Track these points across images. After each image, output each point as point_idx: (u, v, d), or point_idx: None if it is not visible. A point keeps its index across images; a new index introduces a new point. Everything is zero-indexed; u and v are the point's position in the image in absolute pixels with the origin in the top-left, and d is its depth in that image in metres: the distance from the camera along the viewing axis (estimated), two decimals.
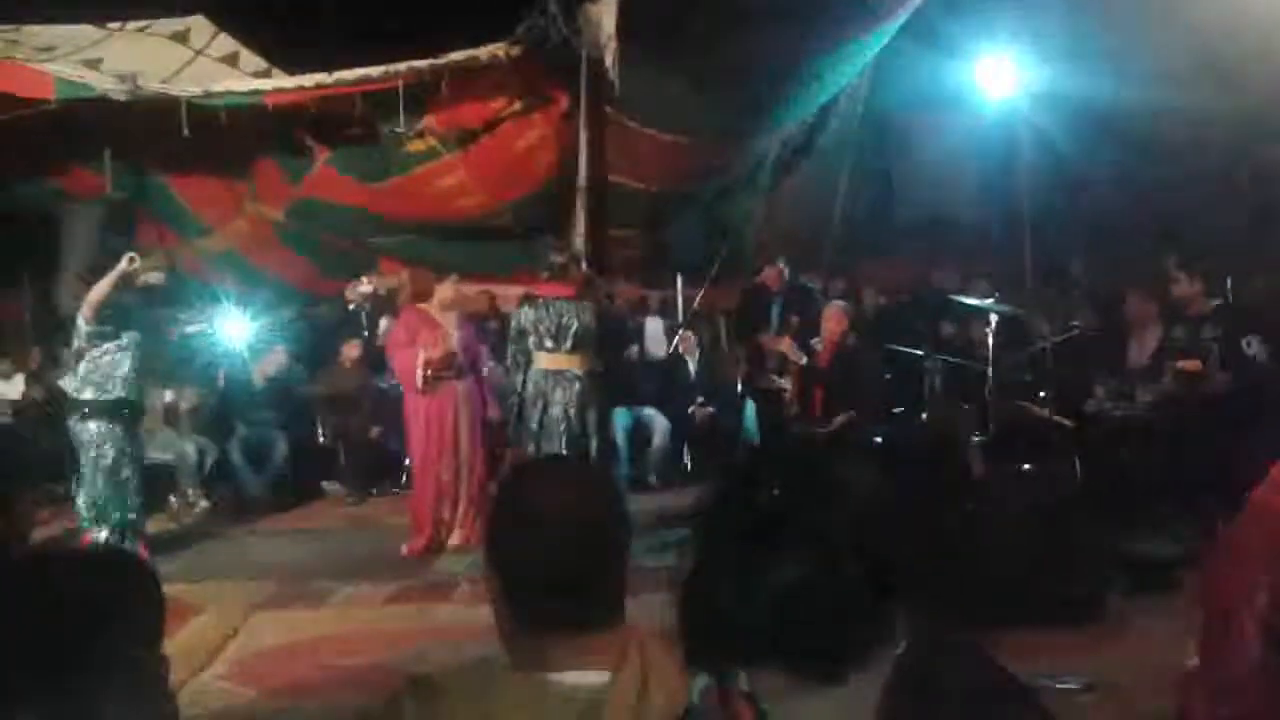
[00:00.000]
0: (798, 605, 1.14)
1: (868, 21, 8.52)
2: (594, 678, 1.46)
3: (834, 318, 7.98)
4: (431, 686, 1.51)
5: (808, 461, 1.29)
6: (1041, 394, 6.96)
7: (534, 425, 6.61)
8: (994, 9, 9.17)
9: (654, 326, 10.53)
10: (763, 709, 1.17)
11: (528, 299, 6.79)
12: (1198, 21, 7.22)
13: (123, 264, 6.31)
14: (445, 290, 7.32)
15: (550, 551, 1.47)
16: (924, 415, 7.03)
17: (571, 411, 6.58)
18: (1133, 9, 7.91)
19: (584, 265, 6.88)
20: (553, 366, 6.60)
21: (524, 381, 6.73)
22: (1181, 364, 6.68)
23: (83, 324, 6.42)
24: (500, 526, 1.56)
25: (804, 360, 8.06)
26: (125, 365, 6.52)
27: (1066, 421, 6.61)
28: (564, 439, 6.55)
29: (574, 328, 6.58)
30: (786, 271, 9.75)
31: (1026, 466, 6.47)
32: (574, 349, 6.62)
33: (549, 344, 6.64)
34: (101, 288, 6.34)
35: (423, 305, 7.31)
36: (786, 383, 8.52)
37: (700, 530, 1.33)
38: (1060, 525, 5.45)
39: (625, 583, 1.54)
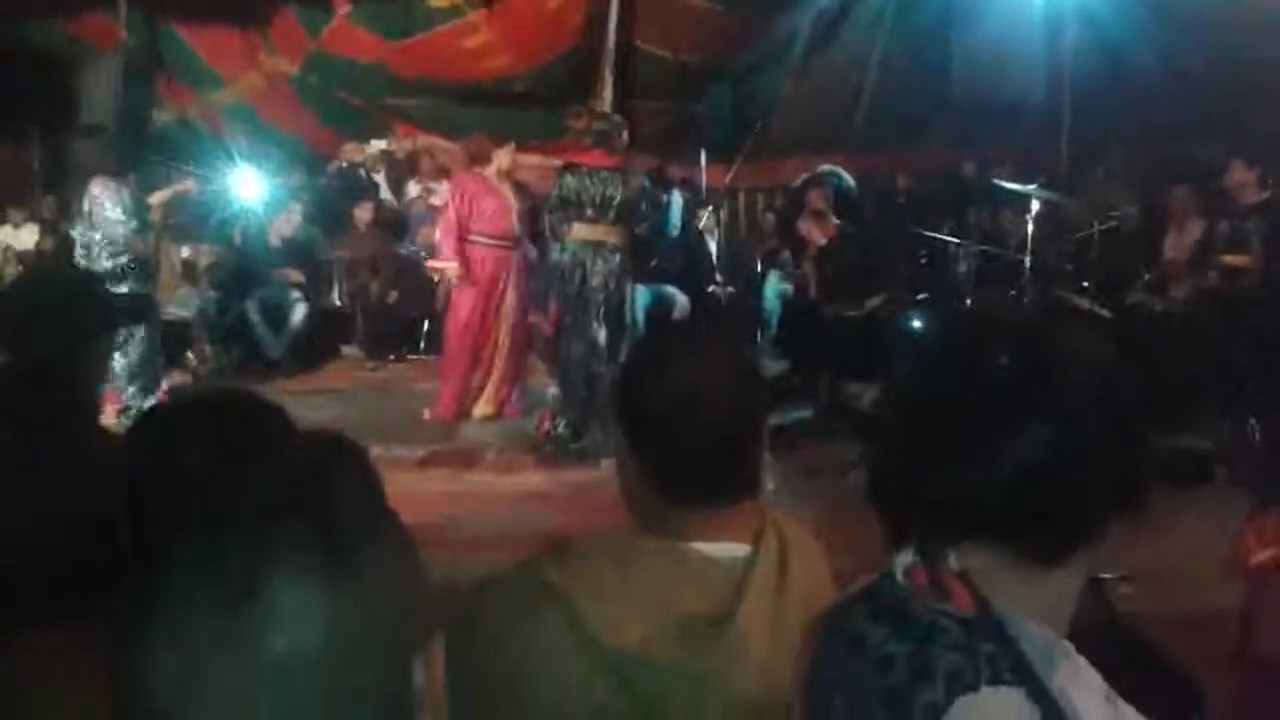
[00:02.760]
0: (1034, 477, 1.05)
1: None
2: (733, 550, 1.42)
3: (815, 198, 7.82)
4: (571, 550, 1.46)
5: (1041, 330, 1.18)
6: (1083, 284, 6.84)
7: (572, 295, 6.48)
8: None
9: (676, 202, 10.32)
10: (981, 593, 1.09)
11: (569, 168, 6.56)
12: None
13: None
14: (504, 158, 7.10)
15: (697, 425, 1.39)
16: (966, 301, 6.90)
17: (611, 283, 6.44)
18: None
19: (626, 135, 6.65)
20: (593, 237, 6.42)
21: (561, 251, 6.57)
22: (1228, 258, 6.55)
23: (108, 207, 6.28)
24: (642, 399, 1.47)
25: (823, 241, 7.94)
26: (134, 224, 6.39)
27: (1105, 312, 6.51)
28: (603, 310, 6.44)
29: (616, 199, 6.39)
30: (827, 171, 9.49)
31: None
32: (616, 220, 6.44)
33: (590, 214, 6.44)
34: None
35: (481, 171, 7.08)
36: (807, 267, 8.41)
37: (903, 398, 1.23)
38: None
39: (762, 458, 1.48)
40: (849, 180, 9.39)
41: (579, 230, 6.48)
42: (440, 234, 6.99)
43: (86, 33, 8.72)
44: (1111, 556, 1.12)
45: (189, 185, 7.69)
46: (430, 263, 7.52)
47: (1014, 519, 1.07)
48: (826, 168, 9.46)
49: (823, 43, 10.21)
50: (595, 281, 6.45)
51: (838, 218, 8.02)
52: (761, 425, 1.51)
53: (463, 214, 6.83)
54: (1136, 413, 1.13)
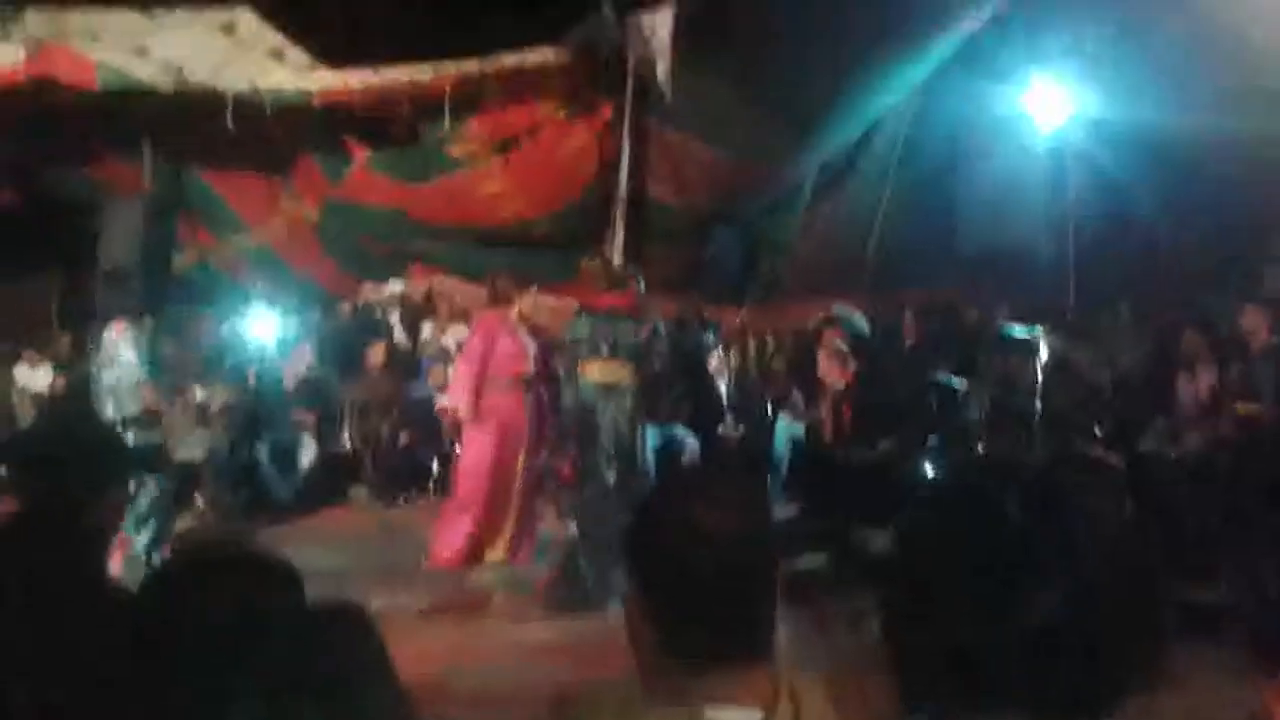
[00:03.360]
0: (1046, 642, 1.02)
1: (918, 44, 8.43)
2: (744, 716, 1.36)
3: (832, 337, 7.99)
4: (575, 715, 1.42)
5: (1053, 490, 1.17)
6: (1094, 431, 6.81)
7: (583, 437, 6.50)
8: (1044, 35, 9.07)
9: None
10: None
11: (585, 310, 6.68)
12: (1251, 47, 7.09)
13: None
14: (525, 301, 7.19)
15: (708, 572, 1.37)
16: (976, 447, 6.88)
17: (622, 425, 6.44)
18: (1183, 35, 7.79)
19: (642, 280, 6.82)
20: (604, 379, 6.47)
21: (572, 393, 6.61)
22: (1240, 406, 6.52)
23: (123, 350, 6.37)
24: (652, 545, 1.45)
25: (841, 385, 7.97)
26: (149, 368, 6.46)
27: (1118, 460, 6.45)
28: (613, 452, 6.43)
29: (628, 341, 6.49)
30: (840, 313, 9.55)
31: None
32: (627, 362, 6.51)
33: (602, 355, 6.51)
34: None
35: (502, 311, 7.16)
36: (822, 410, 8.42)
37: (915, 560, 1.21)
38: (1111, 568, 5.28)
39: (776, 612, 1.44)
40: (862, 322, 9.46)
41: (591, 371, 6.55)
42: (457, 372, 7.00)
43: (111, 178, 8.94)
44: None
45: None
46: (440, 400, 7.51)
47: (1030, 680, 1.04)
48: (840, 309, 9.53)
49: (831, 189, 10.41)
50: (605, 423, 6.47)
51: (853, 361, 8.08)
52: (774, 574, 1.48)
53: (485, 353, 6.84)
54: (1153, 570, 1.11)
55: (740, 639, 1.39)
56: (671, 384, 9.30)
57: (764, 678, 1.40)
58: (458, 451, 7.05)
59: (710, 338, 10.23)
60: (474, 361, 6.86)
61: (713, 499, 1.45)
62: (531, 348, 7.12)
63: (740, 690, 1.37)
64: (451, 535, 6.77)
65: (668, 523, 1.43)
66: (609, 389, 6.54)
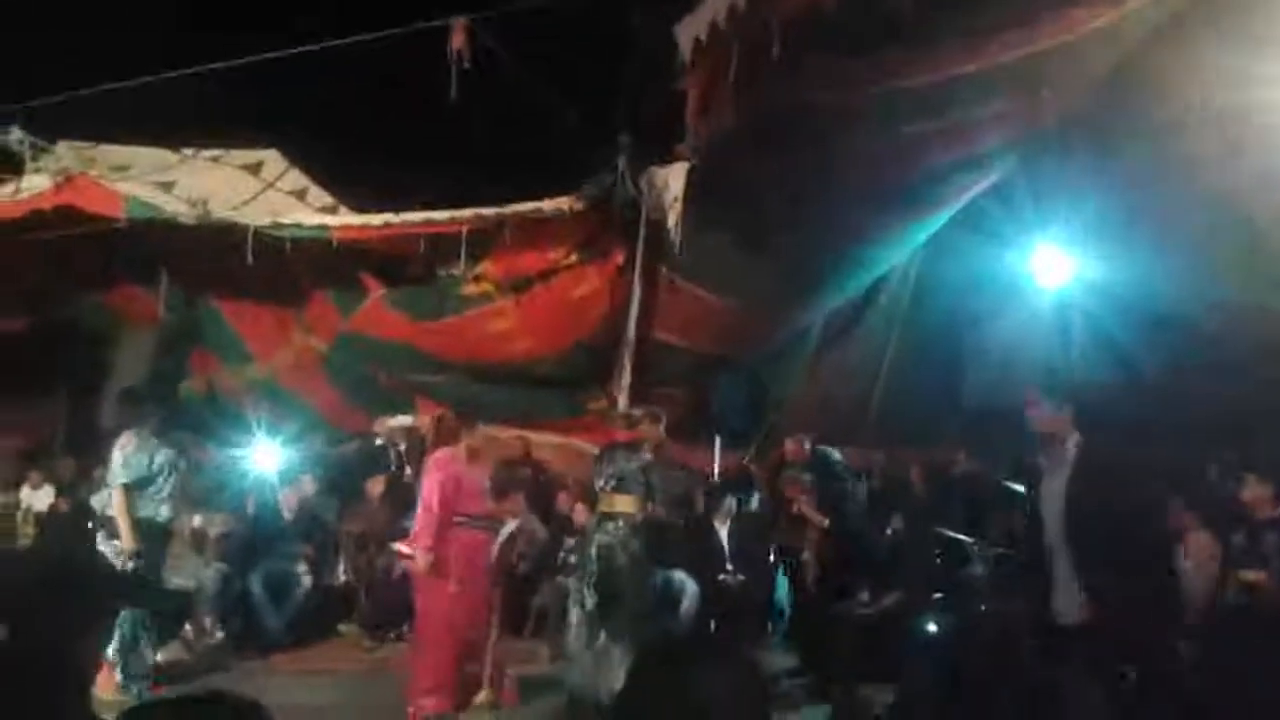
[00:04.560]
0: None
1: (923, 209, 8.66)
2: None
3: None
4: None
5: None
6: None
7: (582, 569, 6.62)
8: (1047, 201, 9.30)
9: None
10: None
11: (606, 447, 7.04)
12: (1253, 211, 7.28)
13: None
14: (473, 440, 7.14)
15: None
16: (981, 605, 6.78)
17: (614, 554, 6.57)
18: (1186, 203, 7.99)
19: (660, 420, 7.05)
20: (606, 509, 6.66)
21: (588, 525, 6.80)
22: (1245, 574, 6.46)
23: (133, 459, 6.40)
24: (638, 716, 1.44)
25: (825, 523, 8.00)
26: (163, 487, 6.46)
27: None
28: (594, 578, 6.53)
29: (627, 472, 6.68)
30: (807, 444, 9.62)
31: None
32: (625, 492, 6.68)
33: (604, 485, 6.77)
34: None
35: (453, 450, 7.13)
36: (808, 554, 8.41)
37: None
38: None
39: None
40: (837, 456, 9.47)
41: (602, 502, 6.77)
42: (418, 518, 6.80)
43: (126, 306, 9.11)
44: None
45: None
46: (398, 545, 7.20)
47: None
48: (814, 445, 9.56)
49: (837, 339, 10.56)
50: (593, 550, 6.58)
51: (834, 501, 8.11)
52: None
53: (443, 495, 6.73)
54: None
55: None
56: (673, 525, 9.28)
57: None
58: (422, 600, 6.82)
59: (713, 482, 10.22)
60: (432, 506, 6.71)
61: (696, 670, 1.45)
62: (485, 483, 7.07)
63: None
64: (425, 681, 6.56)
65: (650, 697, 1.42)
66: (604, 518, 6.70)
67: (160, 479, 6.47)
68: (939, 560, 7.73)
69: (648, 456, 7.04)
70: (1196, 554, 7.04)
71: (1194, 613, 6.82)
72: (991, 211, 9.13)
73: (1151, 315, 8.55)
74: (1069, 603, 4.93)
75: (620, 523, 6.76)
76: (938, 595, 7.21)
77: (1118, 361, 8.49)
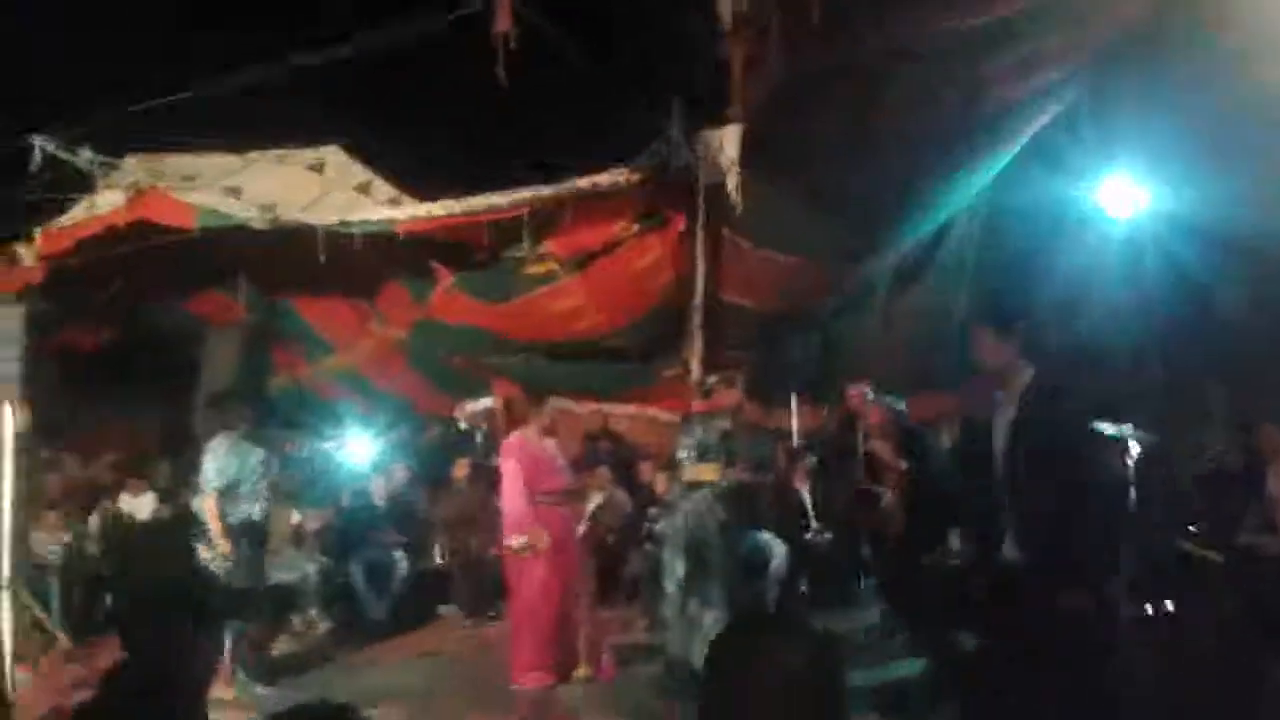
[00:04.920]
0: None
1: (988, 148, 8.50)
2: None
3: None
4: None
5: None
6: (1189, 527, 6.64)
7: (671, 538, 6.73)
8: (1114, 129, 9.06)
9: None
10: None
11: (684, 418, 7.11)
12: None
13: None
14: (544, 418, 7.26)
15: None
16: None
17: (704, 521, 6.69)
18: (1257, 125, 7.74)
19: (735, 385, 7.13)
20: (691, 478, 6.75)
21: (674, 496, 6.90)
22: None
23: (213, 480, 6.63)
24: (716, 696, 1.49)
25: (903, 466, 7.97)
26: (257, 486, 6.68)
27: (1218, 556, 6.28)
28: (684, 546, 6.64)
29: (707, 441, 6.77)
30: (870, 392, 9.55)
31: (1169, 604, 6.14)
32: (707, 461, 6.75)
33: (691, 457, 6.92)
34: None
35: (526, 432, 7.25)
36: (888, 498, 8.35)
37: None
38: (1218, 665, 5.16)
39: None
40: (901, 406, 9.39)
41: (686, 472, 6.85)
42: (507, 509, 6.99)
43: (209, 310, 9.35)
44: None
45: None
46: (507, 541, 7.35)
47: None
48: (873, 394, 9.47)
49: (909, 285, 10.44)
50: (679, 520, 6.70)
51: (910, 446, 8.06)
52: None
53: (524, 478, 6.90)
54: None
55: None
56: (757, 488, 9.34)
57: None
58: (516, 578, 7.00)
59: (794, 442, 10.25)
60: (516, 494, 6.90)
61: (771, 649, 1.49)
62: (561, 459, 7.19)
63: None
64: (525, 658, 6.76)
65: (728, 676, 1.47)
66: (691, 487, 6.78)
67: (253, 479, 6.68)
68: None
69: (726, 424, 7.17)
70: None
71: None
72: (1058, 143, 8.93)
73: (1227, 243, 8.32)
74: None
75: (705, 491, 6.89)
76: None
77: (1196, 293, 8.29)
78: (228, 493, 6.62)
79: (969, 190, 9.40)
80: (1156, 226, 8.97)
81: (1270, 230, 8.00)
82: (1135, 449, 6.34)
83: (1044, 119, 8.41)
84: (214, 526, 6.55)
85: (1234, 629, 5.79)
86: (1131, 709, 4.88)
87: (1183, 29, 7.28)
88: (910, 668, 6.61)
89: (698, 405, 7.47)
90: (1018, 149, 8.73)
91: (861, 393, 9.46)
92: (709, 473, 7.04)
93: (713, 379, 7.66)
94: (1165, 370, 7.84)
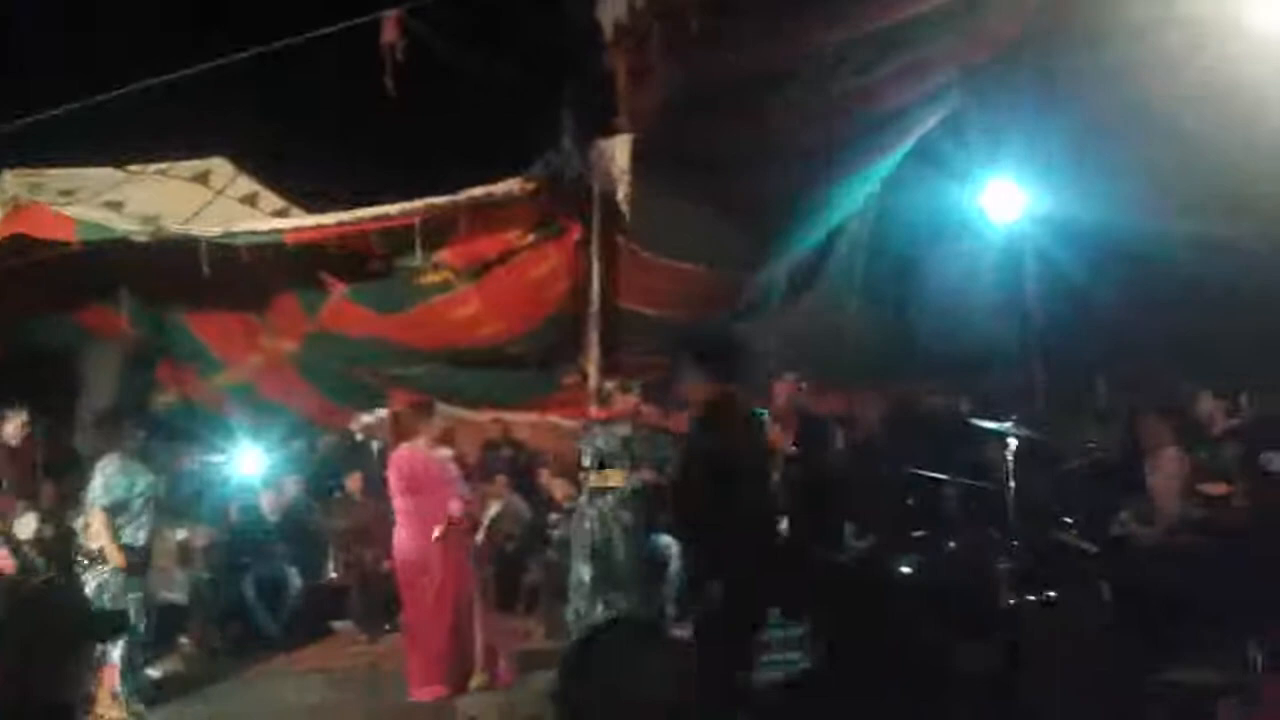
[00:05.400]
0: None
1: (878, 152, 8.72)
2: None
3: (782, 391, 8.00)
4: None
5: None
6: (1067, 519, 6.88)
7: (576, 544, 6.83)
8: (999, 133, 9.36)
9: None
10: None
11: (585, 426, 7.26)
12: (1204, 145, 7.36)
13: None
14: (431, 429, 7.23)
15: None
16: (949, 542, 6.93)
17: (607, 526, 6.79)
18: (1138, 134, 8.07)
19: (631, 390, 7.24)
20: (596, 484, 6.87)
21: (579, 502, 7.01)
22: (1206, 487, 6.62)
23: (101, 498, 6.48)
24: (567, 698, 1.52)
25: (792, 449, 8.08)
26: (142, 511, 6.54)
27: (1092, 547, 6.52)
28: (589, 551, 6.75)
29: (608, 448, 6.88)
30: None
31: (1052, 594, 6.37)
32: (609, 467, 6.89)
33: (597, 464, 7.11)
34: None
35: (414, 445, 7.20)
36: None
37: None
38: (1095, 653, 5.35)
39: None
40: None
41: (591, 479, 6.94)
42: (398, 519, 7.02)
43: (94, 324, 9.10)
44: None
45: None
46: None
47: None
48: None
49: (800, 292, 10.63)
50: (587, 525, 6.80)
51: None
52: None
53: (409, 489, 6.94)
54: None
55: None
56: (659, 491, 9.41)
57: None
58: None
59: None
60: (406, 508, 6.93)
61: (621, 655, 1.53)
62: (453, 468, 7.20)
63: None
64: (421, 670, 6.74)
65: (577, 679, 1.50)
66: (596, 493, 6.89)
67: (139, 504, 6.54)
68: (910, 500, 7.86)
69: (626, 430, 7.27)
70: (1164, 468, 7.20)
71: (1162, 526, 6.99)
72: (944, 148, 9.21)
73: (1105, 245, 8.65)
74: None
75: (610, 496, 7.02)
76: (916, 534, 7.35)
77: (1070, 294, 8.62)
78: (116, 511, 6.47)
79: (858, 195, 9.63)
80: (1038, 229, 9.29)
81: (1148, 234, 8.35)
82: (1014, 444, 6.55)
83: (930, 124, 8.67)
84: (107, 544, 6.39)
85: (1109, 617, 6.01)
86: (1011, 697, 5.03)
87: (1066, 40, 7.58)
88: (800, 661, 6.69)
89: (597, 412, 7.58)
90: (904, 154, 8.98)
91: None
92: (614, 478, 7.16)
93: (610, 385, 7.76)
94: (1046, 368, 8.11)
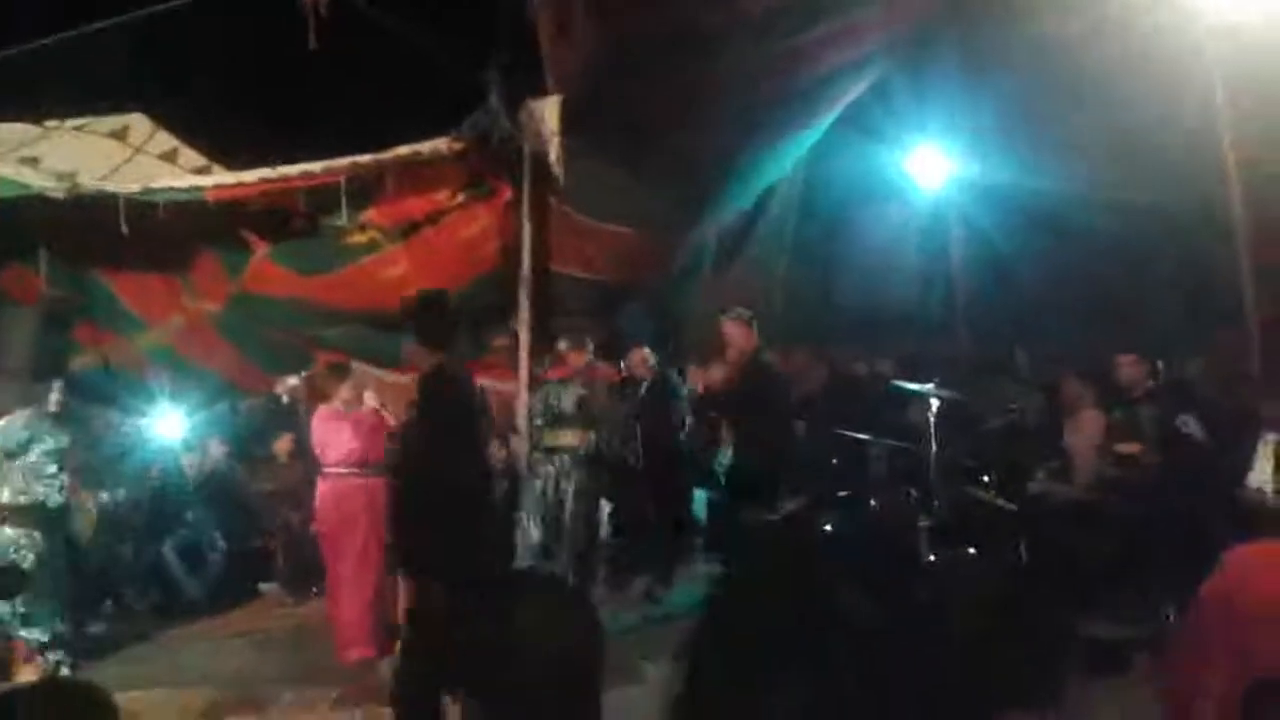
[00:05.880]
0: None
1: (809, 116, 8.75)
2: None
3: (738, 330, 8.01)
4: None
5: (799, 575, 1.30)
6: (985, 478, 7.03)
7: (528, 504, 6.84)
8: (926, 101, 9.46)
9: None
10: None
11: (538, 384, 7.36)
12: (1127, 117, 7.52)
13: None
14: (344, 392, 7.28)
15: (520, 685, 1.44)
16: (871, 501, 7.06)
17: (559, 484, 6.81)
18: (1065, 104, 8.20)
19: (585, 348, 7.24)
20: (550, 443, 6.88)
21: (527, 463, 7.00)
22: (1120, 447, 6.80)
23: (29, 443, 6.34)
24: (462, 651, 1.51)
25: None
26: (50, 469, 6.39)
27: (1010, 505, 6.68)
28: (541, 511, 6.77)
29: (563, 407, 6.90)
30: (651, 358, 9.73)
31: (971, 550, 6.53)
32: (564, 427, 6.90)
33: (542, 422, 7.18)
34: None
35: (332, 406, 7.22)
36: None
37: (706, 641, 1.33)
38: (1009, 608, 5.45)
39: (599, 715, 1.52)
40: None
41: (543, 437, 6.93)
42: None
43: (9, 285, 8.85)
44: None
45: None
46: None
47: None
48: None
49: (730, 255, 10.67)
50: (538, 484, 6.82)
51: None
52: (597, 684, 1.54)
53: (331, 449, 7.09)
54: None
55: None
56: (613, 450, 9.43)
57: None
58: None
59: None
60: (327, 469, 7.06)
61: (516, 607, 1.52)
62: (364, 431, 7.20)
63: None
64: (347, 632, 6.75)
65: (479, 631, 1.50)
66: (550, 452, 6.90)
67: (41, 460, 6.40)
68: (837, 461, 7.98)
69: (580, 389, 7.26)
70: (1084, 428, 7.39)
71: (1079, 484, 7.18)
72: (873, 112, 9.29)
73: (1029, 211, 8.81)
74: None
75: (565, 456, 7.00)
76: (841, 494, 7.47)
77: (993, 259, 8.77)
78: (12, 458, 6.34)
79: (788, 159, 9.68)
80: (964, 196, 9.43)
81: (1070, 200, 8.52)
82: (936, 405, 6.67)
83: (859, 91, 8.72)
84: None
85: (1024, 572, 6.15)
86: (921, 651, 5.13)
87: (993, 12, 7.68)
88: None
89: (551, 371, 7.59)
90: (834, 119, 9.03)
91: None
92: (567, 438, 7.16)
93: (563, 343, 7.76)
94: (969, 330, 8.26)
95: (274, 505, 8.99)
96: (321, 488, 6.97)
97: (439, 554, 4.98)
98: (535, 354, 7.96)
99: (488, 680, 1.46)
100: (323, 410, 7.11)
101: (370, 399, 7.40)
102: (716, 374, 8.21)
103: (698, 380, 9.07)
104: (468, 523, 5.25)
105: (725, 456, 9.09)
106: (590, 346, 7.47)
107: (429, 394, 5.39)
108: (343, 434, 6.93)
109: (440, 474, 5.09)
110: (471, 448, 5.84)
